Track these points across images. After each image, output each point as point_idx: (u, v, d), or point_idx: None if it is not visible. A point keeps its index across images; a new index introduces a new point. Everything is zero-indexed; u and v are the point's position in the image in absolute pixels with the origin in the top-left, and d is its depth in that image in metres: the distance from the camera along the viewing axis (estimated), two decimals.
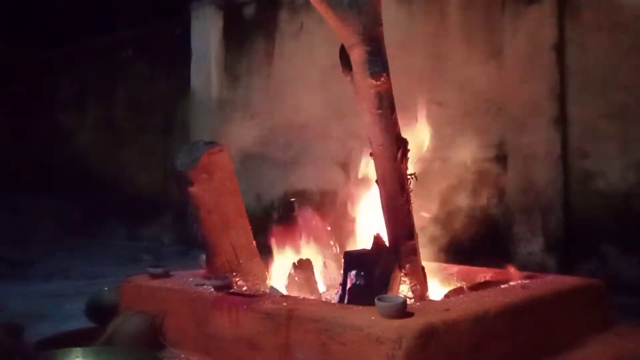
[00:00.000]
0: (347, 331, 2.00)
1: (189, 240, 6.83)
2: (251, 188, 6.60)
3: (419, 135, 2.88)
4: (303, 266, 2.83)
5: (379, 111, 2.53)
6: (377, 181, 2.67)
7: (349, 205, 3.07)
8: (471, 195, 5.27)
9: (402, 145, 2.59)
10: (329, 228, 3.11)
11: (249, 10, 7.34)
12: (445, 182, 5.37)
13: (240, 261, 2.79)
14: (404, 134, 2.65)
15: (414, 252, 2.60)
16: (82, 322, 3.09)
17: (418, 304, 2.36)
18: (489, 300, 2.34)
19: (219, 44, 7.45)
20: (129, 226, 8.67)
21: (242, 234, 2.85)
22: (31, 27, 9.04)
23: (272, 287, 2.73)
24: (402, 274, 2.54)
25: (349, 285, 2.49)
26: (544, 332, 2.42)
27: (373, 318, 2.02)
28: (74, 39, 9.23)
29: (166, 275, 2.89)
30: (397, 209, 2.57)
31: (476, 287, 2.69)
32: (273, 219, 6.78)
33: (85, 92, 9.69)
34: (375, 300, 2.05)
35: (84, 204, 9.25)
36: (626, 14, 4.57)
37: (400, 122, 2.67)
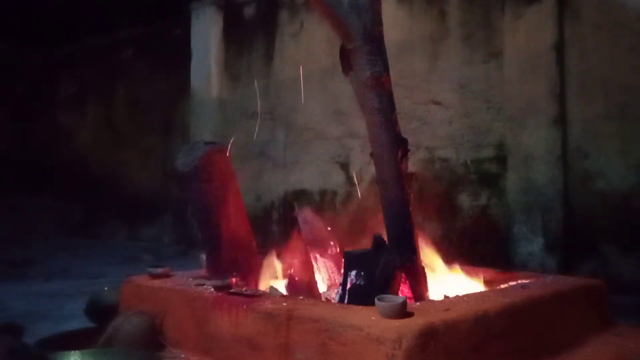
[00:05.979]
0: (347, 331, 2.00)
1: (189, 240, 6.83)
2: (251, 188, 6.60)
3: None
4: (303, 266, 2.82)
5: (379, 111, 2.52)
6: (377, 181, 2.67)
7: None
8: (471, 195, 5.27)
9: (402, 145, 2.59)
10: (329, 228, 3.11)
11: (249, 10, 7.35)
12: (445, 182, 5.38)
13: (241, 261, 2.79)
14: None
15: (414, 252, 2.60)
16: (82, 322, 3.09)
17: (418, 304, 2.36)
18: (489, 300, 2.34)
19: (219, 44, 7.45)
20: (129, 226, 8.67)
21: (242, 234, 2.85)
22: (31, 27, 9.03)
23: (272, 287, 2.73)
24: (402, 274, 2.53)
25: (349, 285, 2.49)
26: (544, 332, 2.42)
27: (373, 318, 2.02)
28: (74, 39, 9.23)
29: (166, 275, 2.89)
30: (397, 209, 2.57)
31: None
32: (273, 219, 6.79)
33: (85, 92, 9.69)
34: (375, 300, 2.05)
35: (84, 204, 9.25)
36: (626, 14, 4.57)
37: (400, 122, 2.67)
